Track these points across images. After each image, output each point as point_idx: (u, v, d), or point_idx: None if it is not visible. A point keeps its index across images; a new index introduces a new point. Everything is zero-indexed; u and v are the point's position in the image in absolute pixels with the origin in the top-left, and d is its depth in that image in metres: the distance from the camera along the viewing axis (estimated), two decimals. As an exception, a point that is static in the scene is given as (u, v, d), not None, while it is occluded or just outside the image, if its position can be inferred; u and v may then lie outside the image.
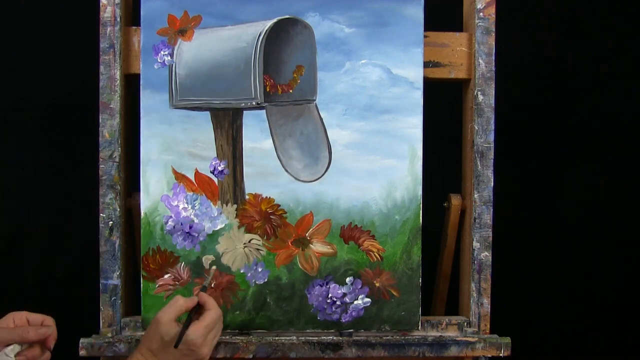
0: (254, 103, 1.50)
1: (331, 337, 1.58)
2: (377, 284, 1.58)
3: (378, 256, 1.57)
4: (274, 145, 1.55)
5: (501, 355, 1.60)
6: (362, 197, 1.56)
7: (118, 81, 1.56)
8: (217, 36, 1.54)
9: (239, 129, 1.55)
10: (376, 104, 1.56)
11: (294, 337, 1.58)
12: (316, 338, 1.58)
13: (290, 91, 1.54)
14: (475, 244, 1.60)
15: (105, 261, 1.57)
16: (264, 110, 1.54)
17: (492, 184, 1.60)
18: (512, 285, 2.24)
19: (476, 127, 1.59)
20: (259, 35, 1.51)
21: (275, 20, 1.53)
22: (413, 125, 1.56)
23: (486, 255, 1.60)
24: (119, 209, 1.57)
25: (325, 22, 1.54)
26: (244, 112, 1.54)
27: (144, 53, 1.55)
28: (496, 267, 1.64)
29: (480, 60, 1.59)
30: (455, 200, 1.64)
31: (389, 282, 1.58)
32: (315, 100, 1.55)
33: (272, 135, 1.55)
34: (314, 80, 1.55)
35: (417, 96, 1.56)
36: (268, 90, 1.54)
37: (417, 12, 1.55)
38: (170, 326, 1.36)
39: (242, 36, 1.53)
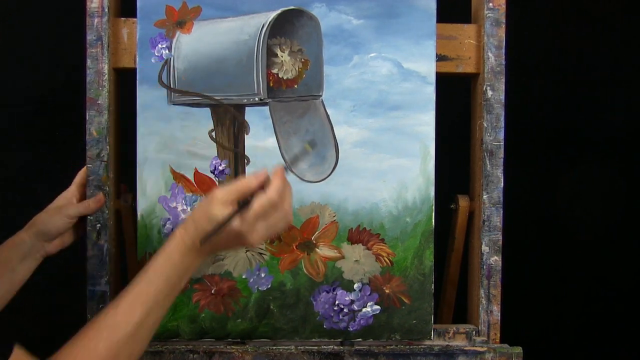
0: (256, 99, 1.48)
1: (331, 347, 1.55)
2: (387, 291, 1.55)
3: (388, 261, 1.55)
4: (278, 143, 1.52)
5: (512, 365, 1.58)
6: (371, 199, 1.53)
7: (106, 76, 1.53)
8: (218, 28, 1.51)
9: (240, 126, 1.52)
10: (386, 100, 1.53)
11: (292, 347, 1.55)
12: (316, 347, 1.55)
13: (295, 86, 1.52)
14: (484, 248, 1.57)
15: (93, 266, 1.54)
16: (267, 107, 1.52)
17: (502, 184, 1.57)
18: (523, 291, 2.22)
19: (485, 125, 1.56)
20: (262, 27, 1.48)
21: (279, 11, 1.50)
22: (425, 123, 1.53)
23: (496, 260, 1.57)
24: (107, 211, 1.53)
25: (332, 13, 1.52)
26: (246, 108, 1.52)
27: (140, 46, 1.51)
28: (506, 273, 1.61)
29: (490, 54, 1.56)
30: (462, 202, 1.61)
31: (399, 288, 1.55)
32: (321, 96, 1.53)
33: (275, 133, 1.52)
34: (320, 75, 1.52)
35: (430, 91, 1.53)
36: (271, 85, 1.51)
37: (429, 3, 1.52)
38: (221, 208, 1.17)
39: (244, 28, 1.50)
